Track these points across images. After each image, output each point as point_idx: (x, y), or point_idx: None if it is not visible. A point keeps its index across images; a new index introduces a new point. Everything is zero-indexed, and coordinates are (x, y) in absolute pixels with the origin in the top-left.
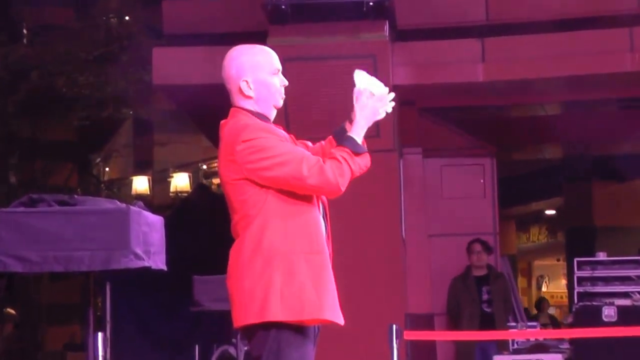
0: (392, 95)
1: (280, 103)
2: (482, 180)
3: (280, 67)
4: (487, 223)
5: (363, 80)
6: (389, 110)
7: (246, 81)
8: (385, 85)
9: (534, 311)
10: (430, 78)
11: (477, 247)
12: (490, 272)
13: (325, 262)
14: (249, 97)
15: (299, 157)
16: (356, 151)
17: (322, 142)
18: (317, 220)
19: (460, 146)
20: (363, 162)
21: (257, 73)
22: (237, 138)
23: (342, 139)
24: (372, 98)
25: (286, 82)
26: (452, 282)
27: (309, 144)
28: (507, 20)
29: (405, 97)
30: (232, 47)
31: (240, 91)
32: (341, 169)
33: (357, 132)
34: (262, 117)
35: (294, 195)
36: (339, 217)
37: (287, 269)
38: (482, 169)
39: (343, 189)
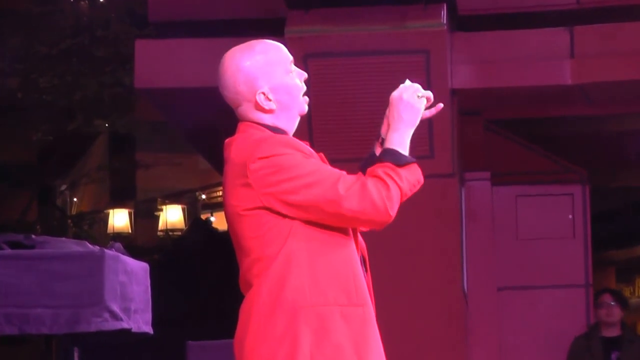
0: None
1: (306, 108)
2: (570, 215)
3: (291, 57)
4: (578, 272)
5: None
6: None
7: (263, 93)
8: (443, 89)
9: None
10: (501, 80)
11: (608, 298)
12: (625, 333)
13: (368, 317)
14: (270, 112)
15: (333, 175)
16: (400, 163)
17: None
18: (356, 262)
19: (541, 170)
20: (413, 177)
21: (273, 77)
22: (252, 155)
23: (381, 154)
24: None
25: (305, 74)
26: (574, 341)
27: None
28: (604, 3)
29: (468, 106)
30: (226, 55)
31: (257, 107)
32: (388, 189)
33: (398, 139)
34: (281, 133)
35: (325, 230)
36: (382, 264)
37: (318, 325)
38: (571, 200)
39: (393, 214)
